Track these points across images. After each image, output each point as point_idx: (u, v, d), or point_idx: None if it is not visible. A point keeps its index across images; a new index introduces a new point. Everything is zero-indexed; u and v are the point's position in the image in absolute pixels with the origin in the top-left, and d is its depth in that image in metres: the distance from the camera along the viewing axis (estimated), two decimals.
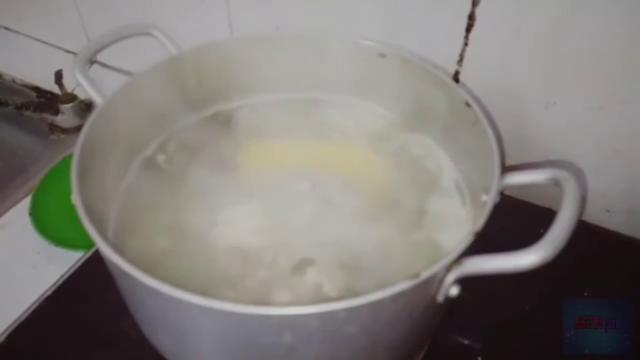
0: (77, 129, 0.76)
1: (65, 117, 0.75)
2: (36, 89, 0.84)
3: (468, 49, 0.52)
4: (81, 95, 0.76)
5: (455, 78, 0.54)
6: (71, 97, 0.75)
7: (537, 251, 0.30)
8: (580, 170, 0.54)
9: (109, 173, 0.45)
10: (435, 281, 0.32)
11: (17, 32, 0.87)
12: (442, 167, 0.49)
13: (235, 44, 0.53)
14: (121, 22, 0.51)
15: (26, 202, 0.64)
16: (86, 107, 0.77)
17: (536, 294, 0.49)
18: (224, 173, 0.49)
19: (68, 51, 0.83)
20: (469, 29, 0.51)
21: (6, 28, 0.88)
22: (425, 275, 0.31)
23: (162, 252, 0.42)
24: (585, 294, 0.50)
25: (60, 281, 0.53)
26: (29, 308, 0.50)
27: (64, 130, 0.76)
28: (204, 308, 0.29)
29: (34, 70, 0.84)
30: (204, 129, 0.53)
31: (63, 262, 0.55)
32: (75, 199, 0.35)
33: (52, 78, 0.74)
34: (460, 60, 0.53)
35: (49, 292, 0.52)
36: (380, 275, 0.39)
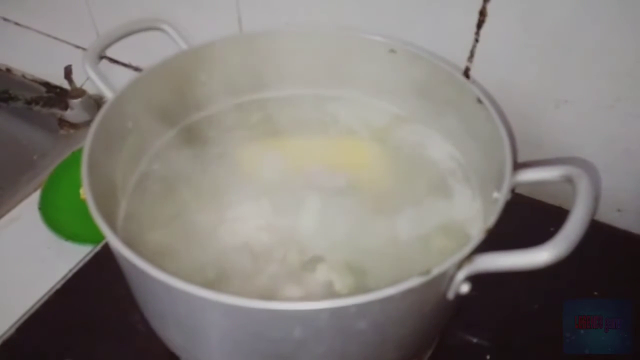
0: (86, 124, 0.76)
1: (75, 112, 0.75)
2: (46, 84, 0.84)
3: (479, 45, 0.52)
4: (90, 91, 0.76)
5: (466, 74, 0.54)
6: (80, 92, 0.75)
7: (550, 249, 0.30)
8: (593, 168, 0.53)
9: (119, 167, 0.45)
10: (445, 278, 0.32)
11: (27, 27, 0.87)
12: (452, 163, 0.49)
13: (245, 40, 0.53)
14: (130, 17, 0.51)
15: (35, 197, 0.64)
16: (95, 102, 0.77)
17: (546, 293, 0.49)
18: (233, 169, 0.49)
19: (77, 46, 0.83)
20: (480, 25, 0.50)
21: (16, 23, 0.88)
22: (436, 271, 0.30)
23: (171, 246, 0.42)
24: (596, 293, 0.50)
25: (70, 275, 0.53)
26: (38, 301, 0.51)
27: (73, 125, 0.76)
28: (215, 302, 0.29)
29: (44, 65, 0.84)
30: (213, 125, 0.53)
31: (72, 256, 0.55)
32: (86, 192, 0.35)
33: (62, 73, 0.74)
34: (471, 57, 0.53)
35: (58, 286, 0.52)
36: (391, 273, 0.39)
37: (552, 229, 0.31)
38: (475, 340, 0.48)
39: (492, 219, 0.33)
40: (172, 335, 0.40)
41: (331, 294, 0.39)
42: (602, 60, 0.47)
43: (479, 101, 0.43)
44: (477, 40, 0.52)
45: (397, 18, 0.54)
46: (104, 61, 0.48)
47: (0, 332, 0.48)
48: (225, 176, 0.48)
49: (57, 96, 0.79)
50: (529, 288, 0.48)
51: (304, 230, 0.44)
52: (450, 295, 0.33)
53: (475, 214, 0.44)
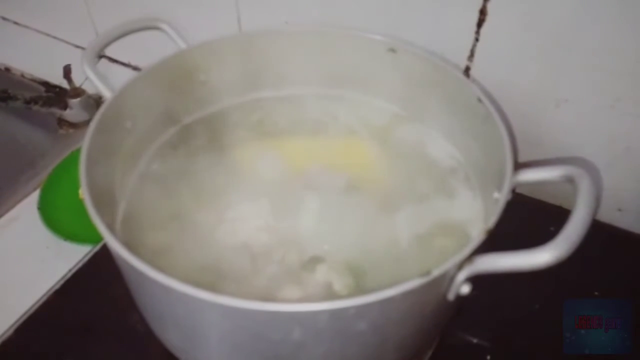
0: (86, 123, 0.76)
1: (74, 111, 0.75)
2: (45, 84, 0.84)
3: (479, 44, 0.52)
4: (90, 90, 0.76)
5: (466, 73, 0.54)
6: (80, 92, 0.75)
7: (551, 249, 0.30)
8: (594, 167, 0.53)
9: (117, 167, 0.44)
10: (446, 279, 0.32)
11: (26, 26, 0.87)
12: (452, 163, 0.49)
13: (244, 39, 0.53)
14: (129, 17, 0.51)
15: (34, 196, 0.64)
16: (94, 101, 0.77)
17: (546, 293, 0.49)
18: (232, 169, 0.49)
19: (77, 46, 0.83)
20: (480, 24, 0.50)
21: (15, 22, 0.88)
22: (436, 272, 0.30)
23: (170, 247, 0.42)
24: (596, 293, 0.50)
25: (69, 275, 0.53)
26: (37, 302, 0.50)
27: (72, 125, 0.76)
28: (214, 304, 0.28)
29: (43, 64, 0.84)
30: (212, 125, 0.53)
31: (71, 256, 0.55)
32: (84, 192, 0.35)
33: (61, 72, 0.74)
34: (471, 56, 0.53)
35: (57, 286, 0.52)
36: (391, 274, 0.39)
37: (552, 228, 0.31)
38: (475, 340, 0.47)
39: (492, 220, 0.33)
40: (170, 336, 0.40)
41: (331, 294, 0.39)
42: (602, 59, 0.47)
43: (479, 100, 0.43)
44: (477, 40, 0.51)
45: (397, 17, 0.54)
46: (103, 60, 0.48)
47: None
48: (225, 176, 0.48)
49: (56, 96, 0.78)
50: (529, 288, 0.48)
51: (304, 230, 0.44)
52: (451, 296, 0.33)
53: (475, 214, 0.44)
